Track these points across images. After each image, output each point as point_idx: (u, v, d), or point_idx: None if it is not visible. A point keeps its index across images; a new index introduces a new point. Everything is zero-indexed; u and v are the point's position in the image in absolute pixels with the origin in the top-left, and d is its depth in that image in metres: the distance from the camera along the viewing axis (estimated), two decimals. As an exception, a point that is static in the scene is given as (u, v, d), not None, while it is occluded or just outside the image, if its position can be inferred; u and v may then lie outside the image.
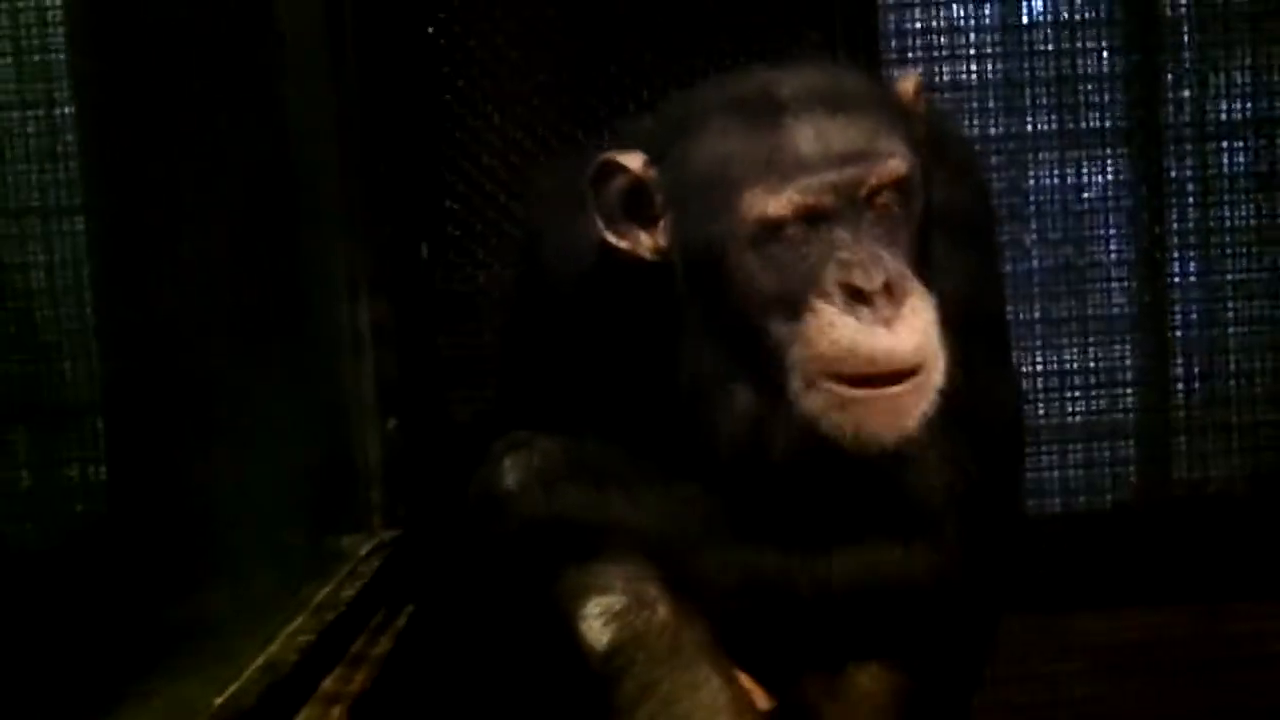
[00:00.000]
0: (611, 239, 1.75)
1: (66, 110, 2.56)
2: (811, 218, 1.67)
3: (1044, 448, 2.93)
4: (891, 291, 1.63)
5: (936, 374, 1.65)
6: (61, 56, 2.56)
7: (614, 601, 1.70)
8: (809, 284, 1.66)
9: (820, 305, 1.65)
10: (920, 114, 1.78)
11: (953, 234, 1.81)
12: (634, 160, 1.75)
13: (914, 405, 1.64)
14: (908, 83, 1.80)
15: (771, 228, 1.67)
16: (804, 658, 1.80)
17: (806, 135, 1.68)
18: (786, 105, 1.71)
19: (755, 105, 1.72)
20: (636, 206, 1.75)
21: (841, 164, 1.67)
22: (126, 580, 1.96)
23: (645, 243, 1.76)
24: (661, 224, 1.74)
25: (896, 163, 1.68)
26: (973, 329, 1.80)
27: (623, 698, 1.69)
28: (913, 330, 1.63)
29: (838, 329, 1.63)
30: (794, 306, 1.67)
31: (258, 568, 2.17)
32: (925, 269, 1.71)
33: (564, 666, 1.72)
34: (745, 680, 1.76)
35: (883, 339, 1.62)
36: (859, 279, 1.63)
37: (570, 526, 1.77)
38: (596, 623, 1.70)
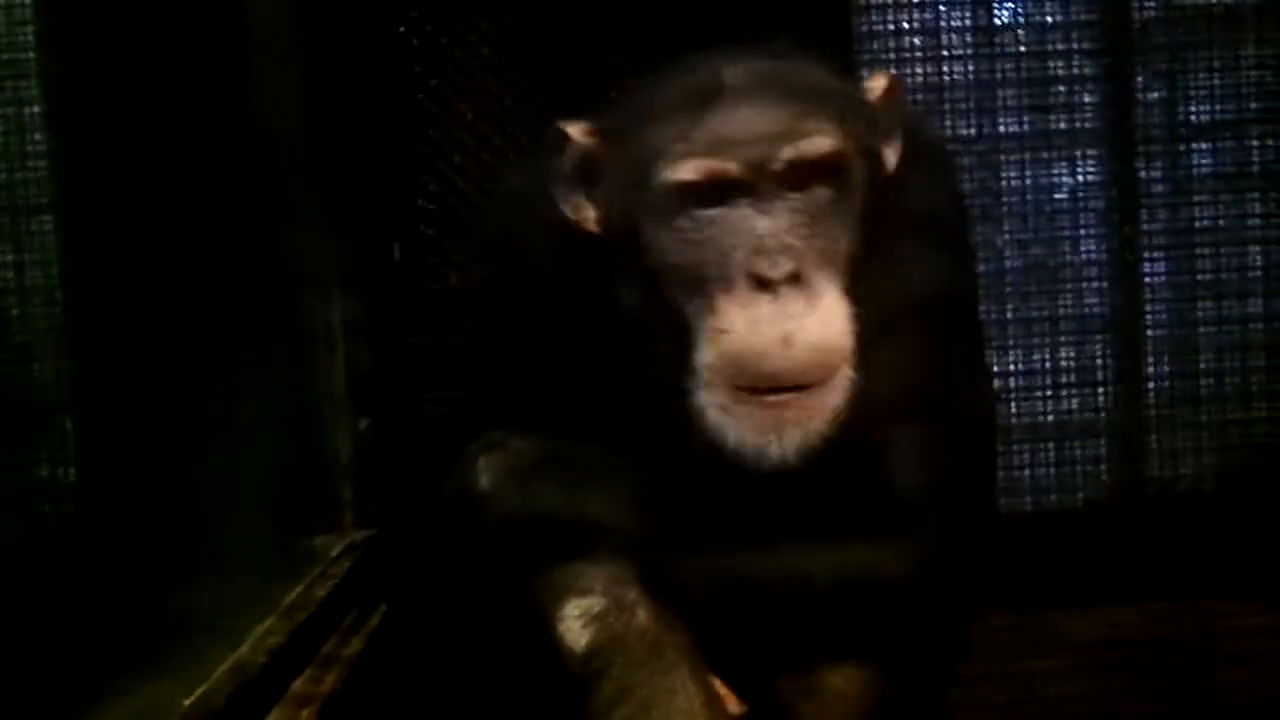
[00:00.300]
0: (565, 208, 1.76)
1: (35, 109, 2.54)
2: (723, 191, 1.66)
3: (1017, 446, 2.94)
4: (800, 282, 1.62)
5: (841, 379, 1.63)
6: (30, 55, 2.54)
7: (594, 604, 1.70)
8: (717, 269, 1.65)
9: (722, 301, 1.63)
10: (888, 111, 1.78)
11: (928, 234, 1.81)
12: (579, 131, 1.75)
13: (812, 416, 1.63)
14: (878, 80, 1.79)
15: (682, 198, 1.66)
16: (779, 657, 1.80)
17: (732, 112, 1.67)
18: (724, 86, 1.70)
19: (697, 85, 1.72)
20: (586, 178, 1.76)
21: (757, 137, 1.66)
22: (95, 580, 1.94)
23: (590, 215, 1.76)
24: (602, 196, 1.75)
25: (820, 140, 1.66)
26: (946, 327, 1.81)
27: (600, 700, 1.69)
28: (813, 335, 1.61)
29: (732, 333, 1.62)
30: (703, 293, 1.66)
31: (228, 567, 2.16)
32: (873, 263, 1.69)
33: (541, 667, 1.71)
34: (720, 686, 1.76)
35: (775, 350, 1.60)
36: (764, 267, 1.62)
37: (546, 526, 1.76)
38: (576, 624, 1.70)
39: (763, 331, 1.61)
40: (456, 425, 2.05)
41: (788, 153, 1.65)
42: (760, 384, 1.63)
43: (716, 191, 1.66)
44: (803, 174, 1.66)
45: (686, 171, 1.66)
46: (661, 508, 1.76)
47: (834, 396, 1.63)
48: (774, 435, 1.63)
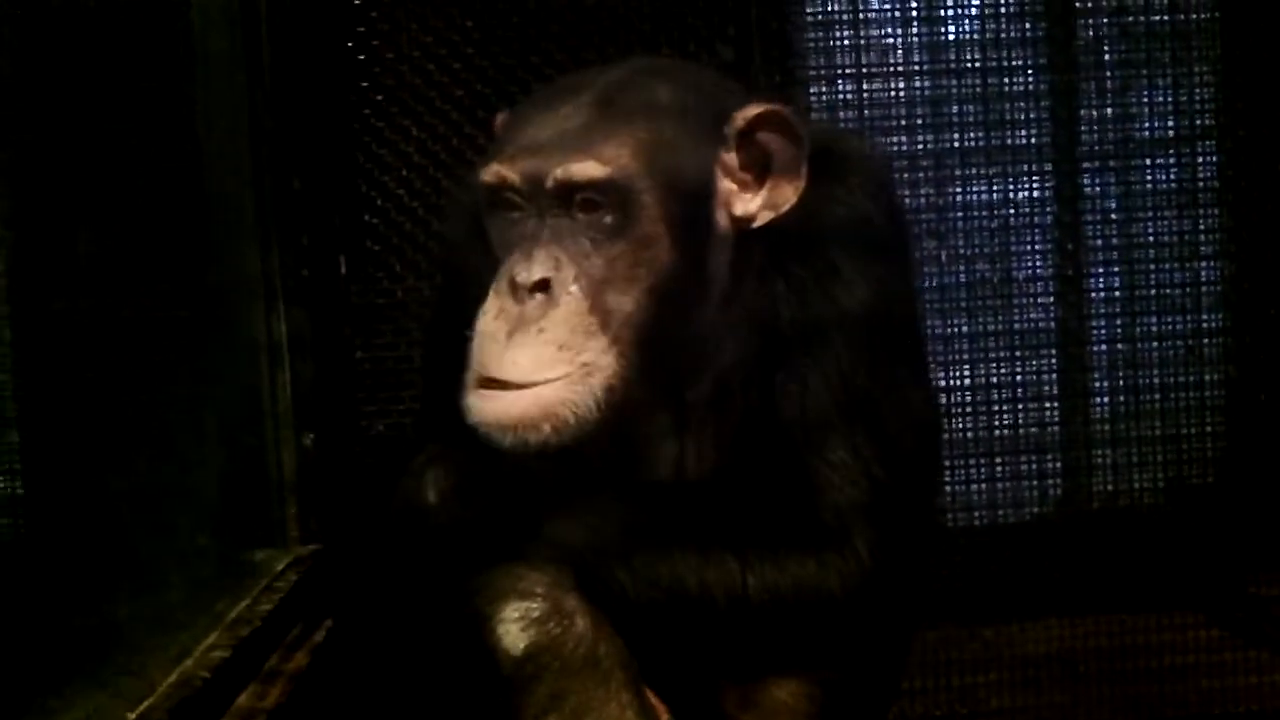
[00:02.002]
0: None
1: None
2: (515, 199, 1.74)
3: (971, 461, 2.95)
4: (546, 291, 1.70)
5: (567, 386, 1.69)
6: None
7: (533, 607, 1.70)
8: (499, 270, 1.74)
9: (489, 298, 1.72)
10: (772, 140, 1.79)
11: (859, 247, 1.82)
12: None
13: (533, 413, 1.68)
14: (751, 109, 1.80)
15: (490, 199, 1.77)
16: (720, 669, 1.81)
17: (539, 123, 1.76)
18: (552, 96, 1.80)
19: (546, 92, 1.85)
20: None
21: (540, 153, 1.73)
22: (39, 594, 1.93)
23: None
24: None
25: (591, 165, 1.71)
26: (882, 341, 1.81)
27: (533, 704, 1.69)
28: (531, 339, 1.69)
29: (478, 330, 1.71)
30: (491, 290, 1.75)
31: (172, 582, 2.15)
32: (675, 295, 1.75)
33: (478, 672, 1.71)
34: (653, 698, 1.76)
35: (495, 353, 1.69)
36: (519, 273, 1.71)
37: (489, 538, 1.76)
38: (514, 627, 1.70)
39: (492, 329, 1.70)
40: (402, 439, 2.05)
41: (558, 173, 1.71)
42: (486, 376, 1.70)
43: (516, 196, 1.74)
44: (575, 194, 1.72)
45: (487, 175, 1.76)
46: (603, 520, 1.77)
47: (565, 395, 1.69)
48: (504, 427, 1.69)
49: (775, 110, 1.80)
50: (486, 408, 1.69)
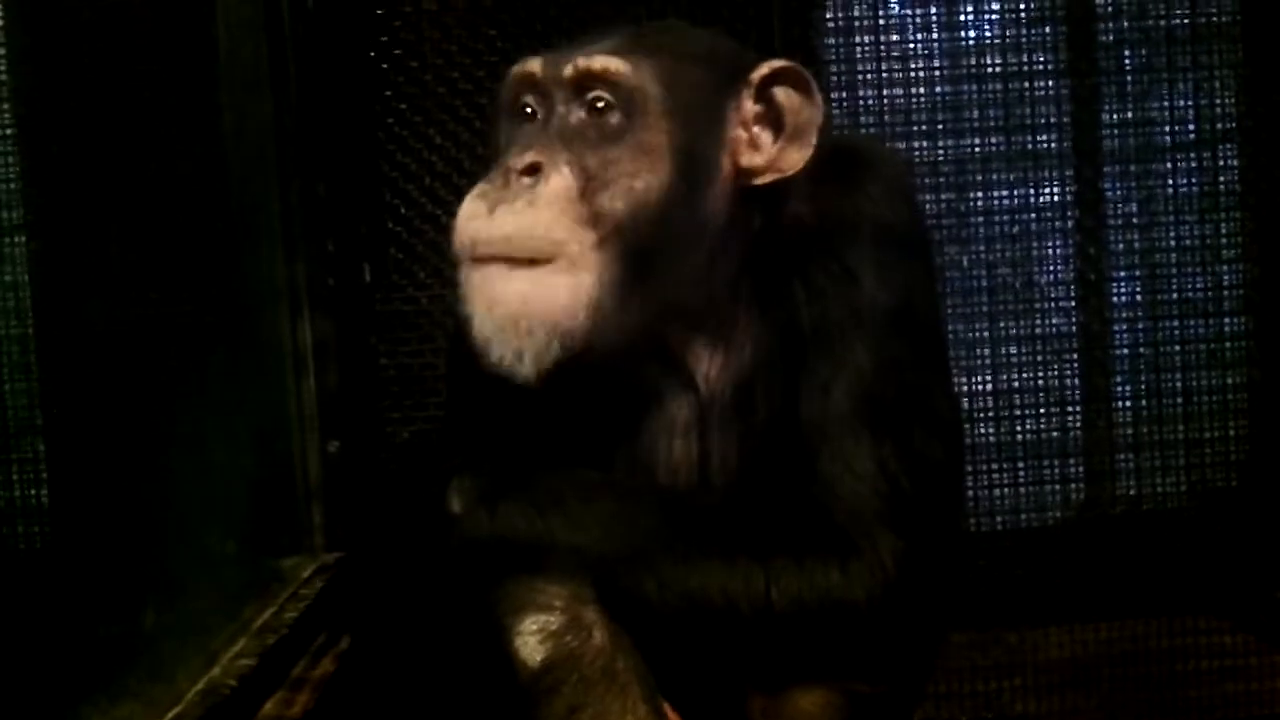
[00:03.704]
0: None
1: (7, 131, 2.54)
2: (529, 102, 1.78)
3: (994, 465, 2.95)
4: (536, 174, 1.70)
5: (559, 269, 1.69)
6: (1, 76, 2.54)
7: (551, 620, 1.70)
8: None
9: (475, 187, 1.74)
10: (784, 101, 1.81)
11: (882, 252, 1.82)
12: None
13: (526, 293, 1.68)
14: (773, 63, 1.82)
15: (507, 110, 1.81)
16: (743, 680, 1.80)
17: (568, 43, 1.81)
18: (592, 35, 1.83)
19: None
20: None
21: (563, 53, 1.77)
22: (67, 603, 1.94)
23: None
24: None
25: (613, 60, 1.74)
26: (906, 346, 1.81)
27: (550, 717, 1.69)
28: (519, 210, 1.69)
29: (460, 210, 1.72)
30: None
31: (199, 589, 2.16)
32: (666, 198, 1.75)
33: (498, 684, 1.71)
34: (670, 713, 1.76)
35: (481, 218, 1.69)
36: (512, 161, 1.72)
37: (513, 548, 1.76)
38: (532, 639, 1.70)
39: (474, 206, 1.71)
40: (427, 446, 2.06)
41: (579, 61, 1.74)
42: (472, 249, 1.70)
43: (531, 97, 1.78)
44: (589, 91, 1.74)
45: (511, 74, 1.80)
46: (628, 528, 1.77)
47: (551, 281, 1.69)
48: (493, 308, 1.69)
49: (795, 68, 1.81)
50: (477, 292, 1.70)
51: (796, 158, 1.80)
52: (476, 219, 1.70)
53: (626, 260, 1.73)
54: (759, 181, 1.81)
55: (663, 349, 1.85)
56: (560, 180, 1.71)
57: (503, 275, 1.69)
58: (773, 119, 1.80)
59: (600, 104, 1.74)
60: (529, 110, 1.78)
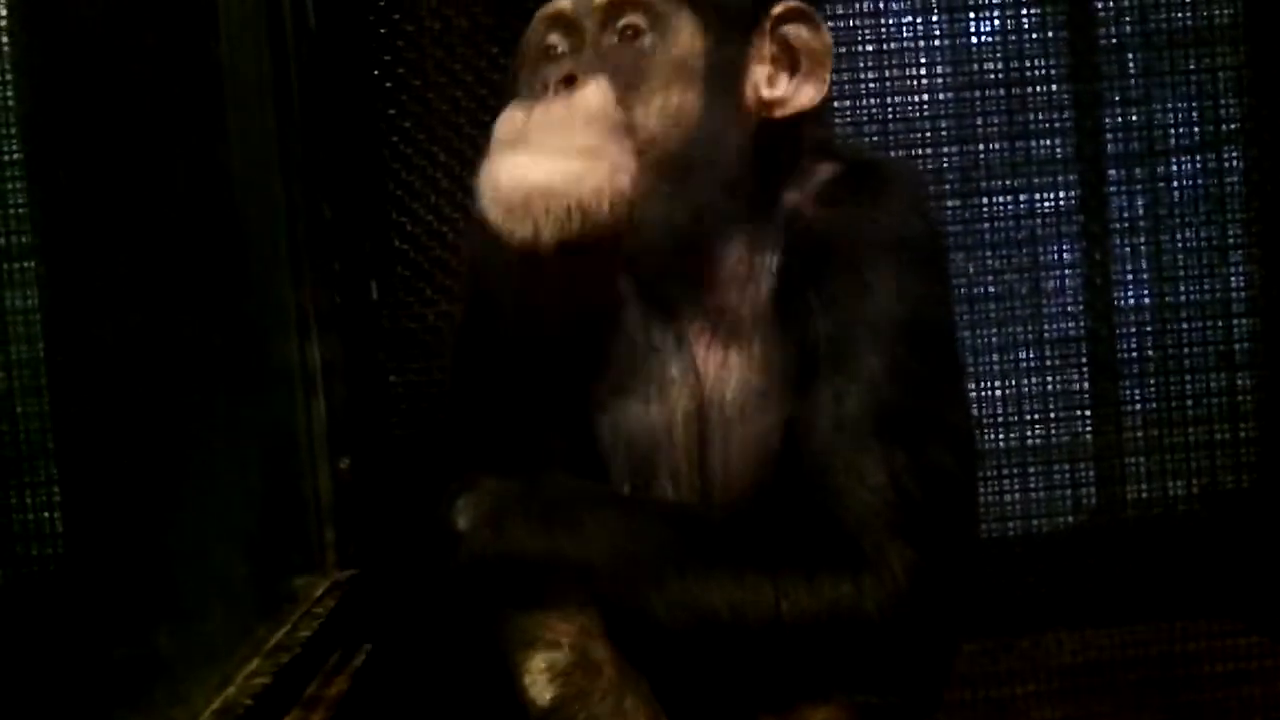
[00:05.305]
0: None
1: (15, 155, 2.55)
2: (556, 43, 1.86)
3: (1004, 471, 2.95)
4: (571, 85, 1.77)
5: (583, 164, 1.73)
6: (8, 102, 2.55)
7: (560, 658, 1.71)
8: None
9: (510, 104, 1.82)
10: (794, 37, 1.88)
11: (896, 264, 1.83)
12: None
13: (550, 180, 1.72)
14: (786, 2, 1.90)
15: (532, 50, 1.89)
16: (755, 695, 1.80)
17: None
18: None
19: None
20: None
21: None
22: (81, 624, 1.94)
23: None
24: None
25: None
26: (919, 358, 1.81)
27: None
28: (556, 118, 1.75)
29: (498, 122, 1.80)
30: None
31: (213, 609, 2.16)
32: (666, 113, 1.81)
33: (508, 714, 1.72)
34: None
35: (513, 128, 1.76)
36: (547, 75, 1.79)
37: (520, 568, 1.77)
38: (541, 678, 1.71)
39: (510, 115, 1.79)
40: (435, 463, 2.06)
41: None
42: (506, 141, 1.77)
43: (559, 36, 1.86)
44: (619, 19, 1.82)
45: (536, 17, 1.89)
46: (635, 544, 1.77)
47: (580, 167, 1.73)
48: (521, 182, 1.73)
49: (805, 8, 1.89)
50: (501, 168, 1.74)
51: (812, 93, 1.87)
52: (512, 121, 1.77)
53: (654, 170, 1.78)
54: (779, 114, 1.87)
55: (671, 301, 1.88)
56: (597, 89, 1.77)
57: (533, 159, 1.73)
58: (788, 56, 1.88)
59: (631, 30, 1.82)
60: (555, 50, 1.85)
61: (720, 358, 1.88)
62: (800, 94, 1.87)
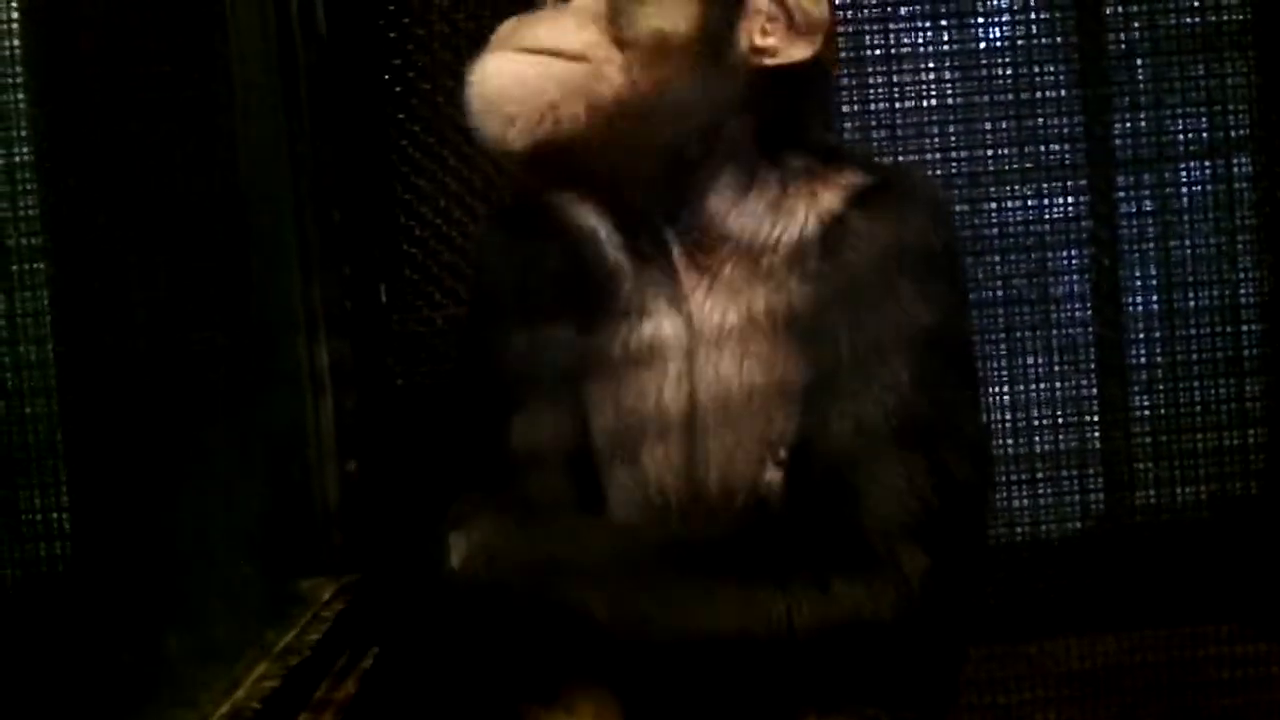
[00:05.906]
0: None
1: (26, 156, 2.55)
2: None
3: (1012, 476, 2.94)
4: (566, 2, 1.80)
5: (572, 66, 1.76)
6: (20, 104, 2.56)
7: None
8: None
9: None
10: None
11: (915, 273, 1.84)
12: None
13: (536, 75, 1.75)
14: None
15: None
16: (765, 709, 1.79)
17: None
18: None
19: None
20: None
21: None
22: (89, 628, 1.95)
23: None
24: None
25: None
26: (937, 366, 1.81)
27: None
28: (548, 19, 1.80)
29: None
30: None
31: (221, 613, 2.16)
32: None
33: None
34: None
35: (503, 36, 1.81)
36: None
37: (516, 603, 1.76)
38: None
39: (510, 21, 1.83)
40: (442, 467, 2.06)
41: None
42: (493, 46, 1.82)
43: None
44: None
45: None
46: (638, 562, 1.76)
47: (564, 67, 1.76)
48: (501, 74, 1.77)
49: None
50: (482, 66, 1.79)
51: (804, 49, 1.86)
52: (506, 26, 1.81)
53: (641, 87, 1.78)
54: (769, 62, 1.86)
55: (664, 245, 1.88)
56: (591, 5, 1.78)
57: (514, 57, 1.77)
58: (785, 14, 1.87)
59: None
60: None
61: (717, 324, 1.88)
62: (793, 47, 1.86)
